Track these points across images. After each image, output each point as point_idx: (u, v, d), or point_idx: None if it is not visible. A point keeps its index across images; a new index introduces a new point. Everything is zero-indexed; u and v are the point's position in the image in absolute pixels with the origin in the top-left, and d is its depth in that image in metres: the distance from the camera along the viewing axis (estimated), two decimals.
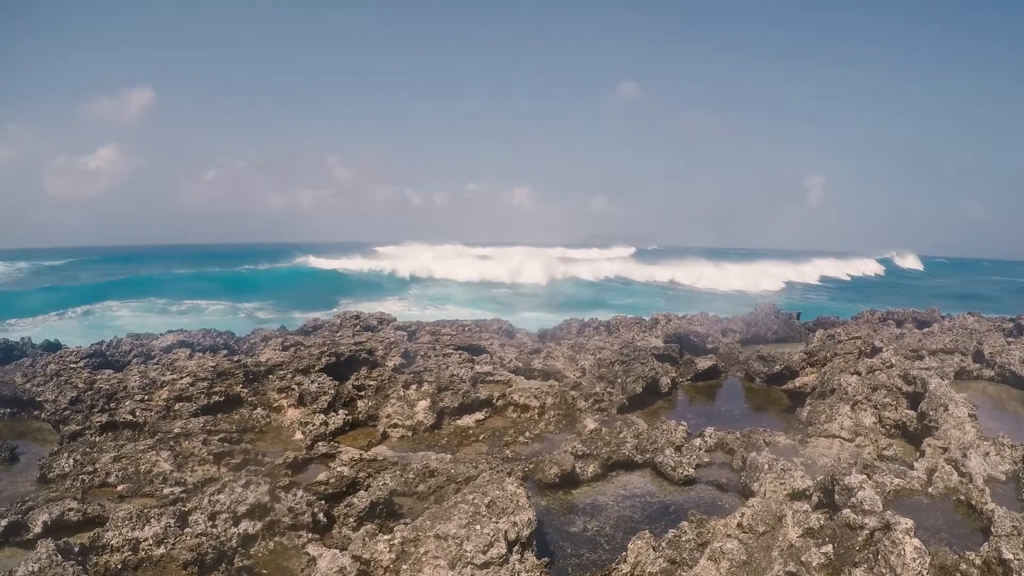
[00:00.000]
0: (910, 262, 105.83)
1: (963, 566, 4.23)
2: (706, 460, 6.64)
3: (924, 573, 4.01)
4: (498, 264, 56.41)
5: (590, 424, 7.76)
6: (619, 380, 9.05)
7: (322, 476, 6.25)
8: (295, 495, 5.55)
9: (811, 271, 72.61)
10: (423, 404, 8.31)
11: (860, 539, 4.43)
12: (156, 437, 7.08)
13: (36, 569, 4.19)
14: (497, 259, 59.46)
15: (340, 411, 8.19)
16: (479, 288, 49.88)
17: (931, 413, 6.76)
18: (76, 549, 4.55)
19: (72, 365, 9.11)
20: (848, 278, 77.44)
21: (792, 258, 78.19)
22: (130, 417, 7.61)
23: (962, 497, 5.30)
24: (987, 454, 5.96)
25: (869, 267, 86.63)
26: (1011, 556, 4.21)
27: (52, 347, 11.46)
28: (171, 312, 38.41)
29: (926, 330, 12.07)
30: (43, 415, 8.11)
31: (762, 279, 59.69)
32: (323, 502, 5.68)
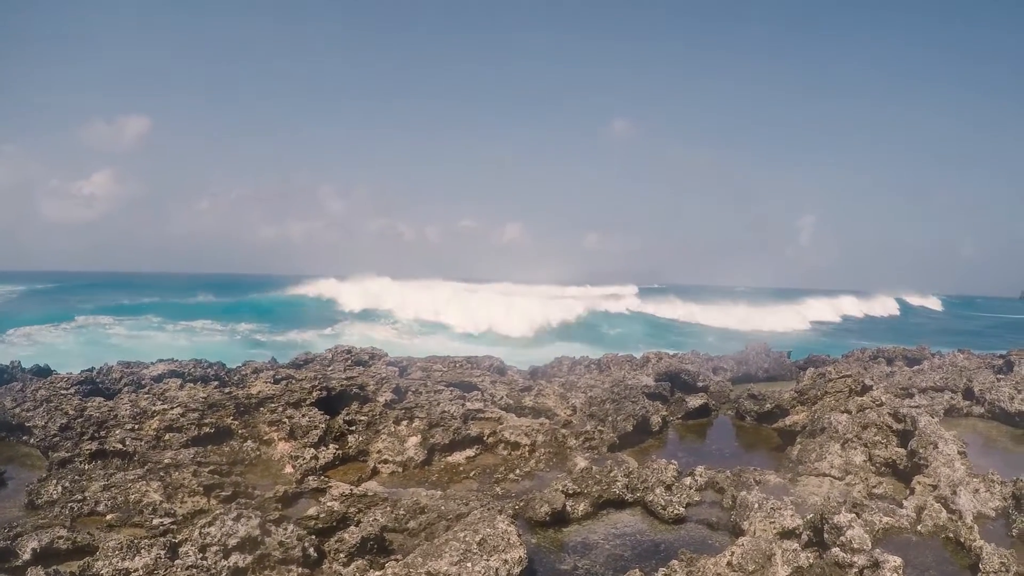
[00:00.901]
0: (926, 301, 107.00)
1: None
2: (696, 499, 6.64)
3: None
4: (492, 301, 56.24)
5: (581, 462, 7.75)
6: (610, 418, 9.06)
7: (312, 510, 6.21)
8: (285, 529, 5.52)
9: (828, 309, 72.94)
10: (414, 440, 8.29)
11: None
12: (146, 467, 7.04)
13: None
14: (490, 295, 59.30)
15: (330, 445, 8.15)
16: (471, 324, 49.75)
17: (921, 451, 6.81)
18: None
19: (63, 391, 9.06)
20: (862, 315, 77.84)
21: (803, 297, 78.43)
22: (120, 446, 7.56)
23: (951, 534, 5.34)
24: (976, 491, 6.00)
25: (886, 306, 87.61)
26: None
27: (42, 372, 11.38)
28: (167, 331, 38.06)
29: (916, 368, 12.15)
30: (32, 440, 8.05)
31: (782, 317, 59.71)
32: (313, 537, 5.64)
